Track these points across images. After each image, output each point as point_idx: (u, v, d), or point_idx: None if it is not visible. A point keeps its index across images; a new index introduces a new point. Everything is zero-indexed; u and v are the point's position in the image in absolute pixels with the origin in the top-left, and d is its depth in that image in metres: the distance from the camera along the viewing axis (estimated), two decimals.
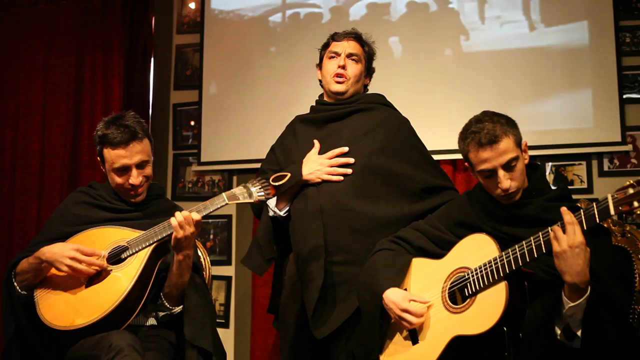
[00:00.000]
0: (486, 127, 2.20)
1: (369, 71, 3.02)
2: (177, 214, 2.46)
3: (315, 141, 2.88)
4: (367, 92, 3.07)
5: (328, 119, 2.94)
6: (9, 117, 4.31)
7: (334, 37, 3.00)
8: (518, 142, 2.23)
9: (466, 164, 2.36)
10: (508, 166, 2.19)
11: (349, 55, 2.92)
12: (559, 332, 2.03)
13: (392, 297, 2.32)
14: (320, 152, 2.85)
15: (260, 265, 2.89)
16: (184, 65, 4.63)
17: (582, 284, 1.93)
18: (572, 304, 1.96)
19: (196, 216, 2.46)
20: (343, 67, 2.90)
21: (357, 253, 2.66)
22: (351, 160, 2.78)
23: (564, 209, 1.95)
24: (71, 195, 2.82)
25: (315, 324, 2.68)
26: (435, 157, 3.69)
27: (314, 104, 3.08)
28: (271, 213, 2.88)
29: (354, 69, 2.92)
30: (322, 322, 2.67)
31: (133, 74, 4.61)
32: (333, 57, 2.95)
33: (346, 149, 2.80)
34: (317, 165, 2.78)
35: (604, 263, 2.09)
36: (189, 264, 2.55)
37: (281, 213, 2.85)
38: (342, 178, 2.76)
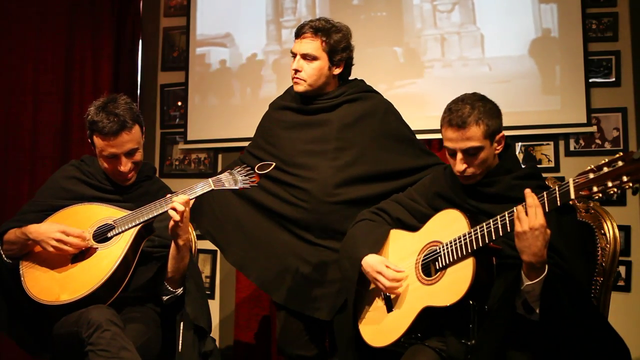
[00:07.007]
0: (461, 110, 2.15)
1: (333, 62, 2.77)
2: (175, 201, 2.37)
3: None
4: (351, 81, 2.91)
5: (318, 110, 2.84)
6: (1, 95, 4.20)
7: (296, 33, 2.80)
8: (490, 133, 2.15)
9: None
10: (467, 152, 2.16)
11: (303, 57, 2.75)
12: (518, 305, 2.03)
13: (370, 261, 2.36)
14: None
15: None
16: (171, 47, 4.57)
17: (539, 264, 1.93)
18: (529, 282, 1.96)
19: (185, 197, 2.39)
20: (298, 70, 2.76)
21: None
22: None
23: (527, 191, 1.93)
24: (63, 167, 2.73)
25: (312, 306, 2.74)
26: None
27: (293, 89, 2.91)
28: None
29: (308, 71, 2.74)
30: (319, 305, 2.73)
31: (122, 56, 4.53)
32: (293, 57, 2.79)
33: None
34: None
35: (567, 240, 2.09)
36: (189, 246, 2.54)
37: None
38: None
